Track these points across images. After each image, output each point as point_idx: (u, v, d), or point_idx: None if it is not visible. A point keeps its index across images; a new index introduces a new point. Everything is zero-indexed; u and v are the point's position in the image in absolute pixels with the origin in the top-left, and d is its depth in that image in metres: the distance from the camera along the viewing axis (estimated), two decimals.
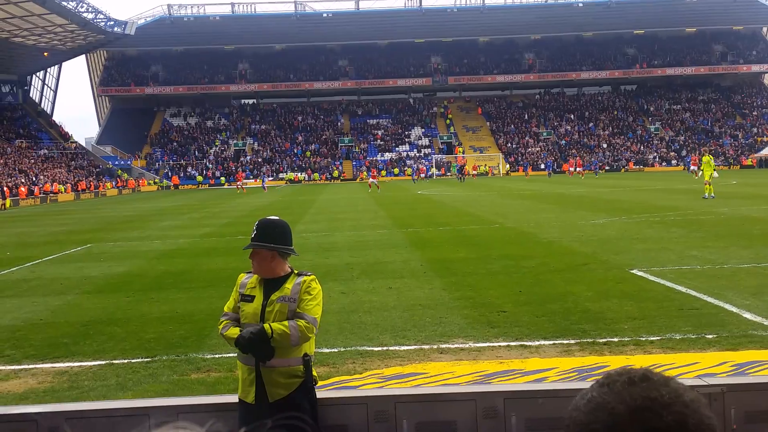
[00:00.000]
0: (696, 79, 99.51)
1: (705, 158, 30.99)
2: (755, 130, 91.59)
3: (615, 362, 7.04)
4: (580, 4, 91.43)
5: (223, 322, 4.31)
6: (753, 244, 14.97)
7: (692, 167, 52.98)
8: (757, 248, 14.37)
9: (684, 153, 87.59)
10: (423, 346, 8.03)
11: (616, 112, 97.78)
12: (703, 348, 7.44)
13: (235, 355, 4.46)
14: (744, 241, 15.61)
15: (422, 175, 73.03)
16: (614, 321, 8.73)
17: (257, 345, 4.09)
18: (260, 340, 4.08)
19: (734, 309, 9.06)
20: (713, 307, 9.27)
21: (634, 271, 12.15)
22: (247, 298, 4.27)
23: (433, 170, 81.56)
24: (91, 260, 17.11)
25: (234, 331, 4.17)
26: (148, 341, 8.76)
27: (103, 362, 7.92)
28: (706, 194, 28.71)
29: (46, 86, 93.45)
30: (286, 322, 4.13)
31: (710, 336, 7.85)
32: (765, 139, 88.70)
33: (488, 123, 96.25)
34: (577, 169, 69.73)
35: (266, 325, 4.10)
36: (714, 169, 29.60)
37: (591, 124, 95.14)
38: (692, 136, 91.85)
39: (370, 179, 53.76)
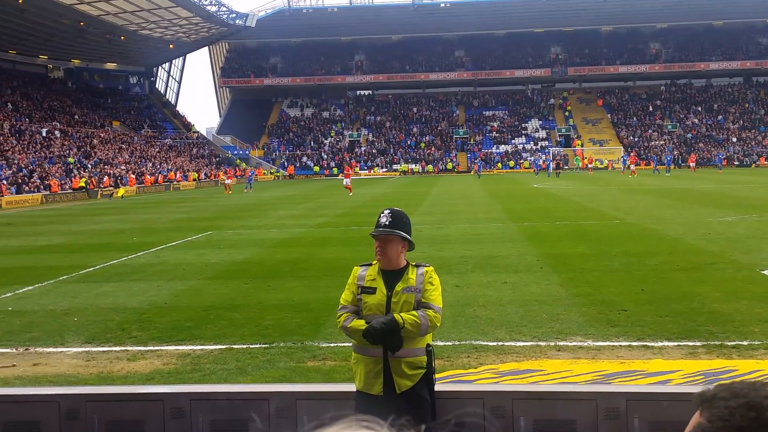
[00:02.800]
0: None
1: None
2: None
3: (744, 366, 6.68)
4: None
5: (342, 314, 4.27)
6: None
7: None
8: None
9: None
10: (539, 343, 7.85)
11: (747, 105, 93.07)
12: None
13: (350, 345, 4.44)
14: None
15: (545, 168, 70.70)
16: (743, 323, 8.28)
17: (389, 335, 4.07)
18: (392, 330, 4.06)
19: None
20: None
21: (765, 272, 11.51)
22: (369, 290, 4.25)
23: (552, 164, 79.89)
24: (211, 247, 17.66)
25: (359, 323, 4.16)
26: (265, 328, 8.94)
27: (224, 346, 8.14)
28: None
29: (171, 77, 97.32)
30: (414, 312, 4.13)
31: None
32: None
33: (609, 115, 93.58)
34: (631, 166, 59.82)
35: (397, 315, 4.09)
36: None
37: (720, 117, 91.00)
38: None
39: (345, 180, 42.82)
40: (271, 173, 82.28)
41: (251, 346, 8.09)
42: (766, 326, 8.13)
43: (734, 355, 7.14)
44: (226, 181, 50.76)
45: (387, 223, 4.25)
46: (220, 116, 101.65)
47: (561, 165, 66.90)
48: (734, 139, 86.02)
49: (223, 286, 12.03)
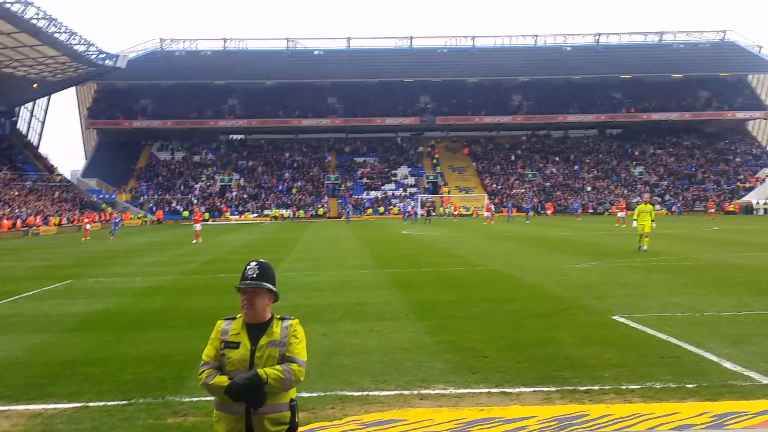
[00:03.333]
0: (681, 124, 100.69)
1: (643, 206, 27.22)
2: (739, 176, 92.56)
3: (595, 411, 7.02)
4: (569, 48, 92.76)
5: (204, 371, 4.20)
6: (734, 292, 15.03)
7: (619, 213, 52.04)
8: (739, 296, 14.42)
9: (667, 197, 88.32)
10: (403, 392, 7.97)
11: (601, 155, 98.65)
12: (683, 397, 7.43)
13: (212, 400, 4.38)
14: (725, 288, 15.68)
15: (414, 215, 72.26)
16: (595, 368, 8.71)
17: (252, 392, 4.03)
18: (256, 386, 4.02)
19: (715, 358, 9.06)
20: (694, 355, 9.28)
21: (615, 317, 12.16)
22: (232, 345, 4.19)
23: (419, 210, 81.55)
24: (71, 297, 16.96)
25: (222, 379, 4.09)
26: (125, 383, 8.65)
27: (79, 404, 7.81)
28: (644, 246, 25.96)
29: (33, 117, 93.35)
30: (278, 367, 4.11)
31: (690, 385, 7.84)
32: (747, 185, 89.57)
33: (474, 163, 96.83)
34: (485, 213, 61.61)
35: (260, 371, 4.06)
36: (652, 220, 26.71)
37: (576, 167, 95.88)
38: (676, 181, 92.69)
39: (195, 225, 40.18)
40: (138, 218, 79.94)
41: (109, 404, 7.80)
42: (615, 371, 8.57)
43: (586, 399, 7.48)
44: (87, 227, 48.71)
45: (254, 275, 4.24)
46: (86, 158, 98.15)
47: (431, 212, 68.34)
48: (589, 188, 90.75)
49: (82, 339, 11.56)
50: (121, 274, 22.41)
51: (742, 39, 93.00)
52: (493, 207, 67.28)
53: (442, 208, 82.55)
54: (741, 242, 30.07)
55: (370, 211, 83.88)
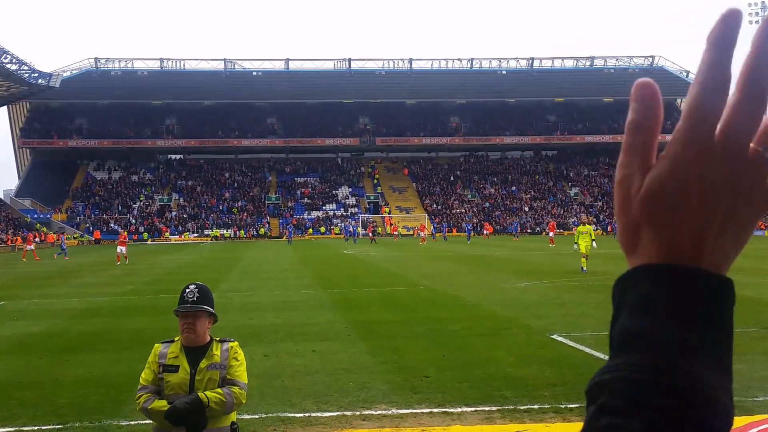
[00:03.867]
0: (614, 146, 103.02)
1: (583, 228, 27.78)
2: None
3: (535, 430, 7.14)
4: (504, 72, 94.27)
5: (143, 395, 4.14)
6: None
7: (551, 233, 53.14)
8: None
9: (602, 217, 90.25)
10: (345, 413, 7.97)
11: (537, 177, 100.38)
12: None
13: (151, 424, 4.32)
14: None
15: (353, 234, 72.34)
16: (535, 387, 8.84)
17: (193, 415, 3.98)
18: (197, 410, 3.98)
19: None
20: None
21: (554, 336, 12.37)
22: (171, 368, 4.15)
23: (360, 230, 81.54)
24: (4, 319, 16.50)
25: (161, 403, 4.04)
26: (60, 407, 8.46)
27: (12, 429, 7.61)
28: (584, 267, 26.17)
29: None
30: (219, 390, 4.08)
31: None
32: None
33: (414, 184, 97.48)
34: (421, 233, 63.30)
35: (201, 394, 4.02)
36: (593, 240, 27.24)
37: (514, 188, 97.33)
38: (609, 201, 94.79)
39: (119, 248, 38.29)
40: (75, 238, 78.16)
41: (43, 428, 7.63)
42: (554, 390, 8.72)
43: (527, 419, 7.60)
44: (28, 247, 47.37)
45: (194, 299, 4.21)
46: (20, 178, 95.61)
47: (376, 232, 68.41)
48: (526, 208, 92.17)
49: (16, 362, 11.26)
50: (57, 295, 21.89)
51: (670, 64, 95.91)
52: (426, 227, 67.79)
53: (386, 228, 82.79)
54: None
55: (311, 231, 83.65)
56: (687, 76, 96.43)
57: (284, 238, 74.98)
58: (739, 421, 7.17)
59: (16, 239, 66.67)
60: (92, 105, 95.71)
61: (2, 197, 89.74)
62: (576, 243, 27.08)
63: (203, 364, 4.15)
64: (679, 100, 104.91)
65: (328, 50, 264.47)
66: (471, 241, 60.90)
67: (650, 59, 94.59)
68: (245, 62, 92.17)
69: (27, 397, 8.98)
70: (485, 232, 72.20)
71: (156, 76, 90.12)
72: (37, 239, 66.44)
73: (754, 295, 18.35)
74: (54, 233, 76.28)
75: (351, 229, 75.84)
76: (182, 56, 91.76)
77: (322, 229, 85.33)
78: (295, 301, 18.63)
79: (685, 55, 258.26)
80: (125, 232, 43.26)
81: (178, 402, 4.00)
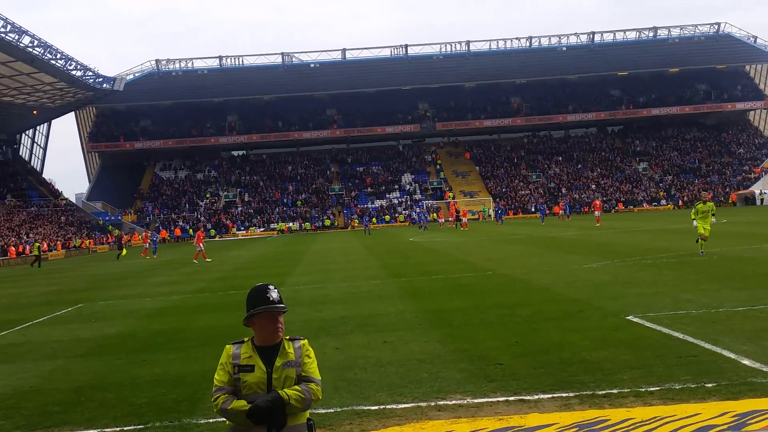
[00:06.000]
0: (681, 118, 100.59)
1: (703, 206, 22.99)
2: (744, 167, 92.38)
3: (615, 415, 6.95)
4: (564, 48, 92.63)
5: (219, 396, 4.14)
6: (747, 286, 14.93)
7: (596, 212, 51.33)
8: (752, 290, 14.32)
9: (673, 192, 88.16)
10: (420, 404, 7.90)
11: (603, 153, 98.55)
12: (703, 398, 7.34)
13: (227, 423, 4.31)
14: (738, 282, 15.58)
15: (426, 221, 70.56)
16: (612, 371, 8.62)
17: (275, 413, 4.01)
18: (279, 408, 4.01)
19: (732, 355, 8.97)
20: (711, 353, 9.18)
21: (630, 318, 12.07)
22: (247, 368, 4.15)
23: (433, 216, 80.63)
24: (82, 321, 16.94)
25: (241, 403, 4.06)
26: (140, 407, 8.60)
27: (95, 431, 7.77)
28: (702, 250, 22.25)
29: (35, 144, 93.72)
30: (298, 387, 4.11)
31: (710, 385, 7.76)
32: (753, 176, 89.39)
33: (477, 167, 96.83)
34: (441, 220, 63.82)
35: (281, 392, 4.04)
36: (713, 214, 22.84)
37: (579, 166, 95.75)
38: (680, 175, 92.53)
39: (198, 246, 39.10)
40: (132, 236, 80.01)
41: (125, 428, 7.76)
42: (633, 373, 8.48)
43: (606, 404, 7.39)
44: (144, 245, 48.53)
45: (279, 298, 4.24)
46: (90, 182, 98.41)
47: (459, 216, 65.51)
48: (594, 186, 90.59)
49: (95, 364, 11.52)
50: (131, 296, 22.40)
51: (737, 30, 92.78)
52: (468, 211, 66.37)
53: (484, 211, 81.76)
54: (748, 234, 29.92)
55: (375, 219, 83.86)
56: (755, 41, 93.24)
57: (350, 228, 75.11)
58: None
59: (90, 241, 68.55)
60: (155, 106, 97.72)
61: (75, 201, 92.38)
62: (694, 219, 22.84)
63: (279, 362, 4.16)
64: (747, 67, 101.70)
65: (385, 39, 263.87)
66: (546, 223, 58.84)
67: (716, 26, 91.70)
68: (302, 55, 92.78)
69: (107, 398, 9.16)
70: (561, 212, 69.88)
71: (215, 74, 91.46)
72: (108, 241, 68.06)
73: None
74: (125, 234, 78.27)
75: (424, 216, 74.62)
76: (240, 53, 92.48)
77: (387, 217, 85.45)
78: (363, 292, 18.65)
79: (751, 20, 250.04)
80: (202, 232, 43.91)
81: (260, 400, 4.01)
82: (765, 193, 79.80)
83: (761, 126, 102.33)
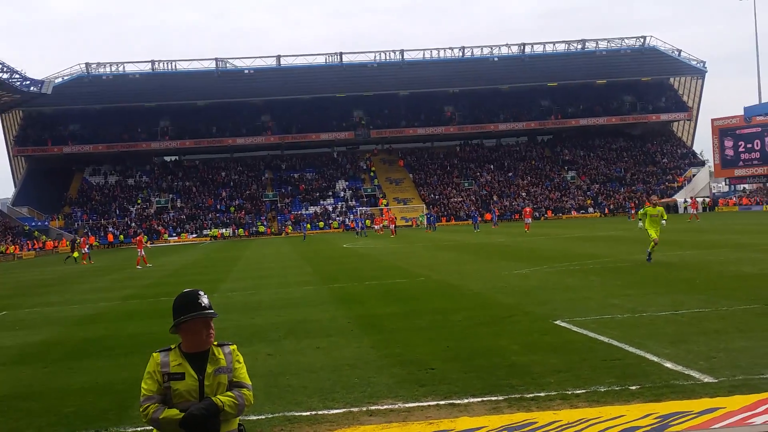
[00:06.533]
0: (608, 128, 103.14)
1: (653, 209, 22.66)
2: (668, 177, 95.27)
3: (543, 418, 7.10)
4: (495, 59, 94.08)
5: (149, 406, 4.06)
6: (670, 291, 15.41)
7: (527, 219, 52.56)
8: (675, 295, 14.79)
9: (600, 200, 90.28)
10: (352, 409, 7.94)
11: (533, 162, 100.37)
12: (627, 400, 7.56)
13: (153, 431, 4.25)
14: (661, 287, 16.07)
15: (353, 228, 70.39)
16: (541, 375, 8.80)
17: (209, 420, 3.97)
18: (213, 415, 3.98)
19: (655, 358, 9.26)
20: (635, 357, 9.46)
21: (557, 322, 12.33)
22: (177, 376, 4.09)
23: (368, 222, 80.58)
24: (5, 329, 16.46)
25: (173, 412, 3.99)
26: (66, 416, 8.43)
27: None
28: (650, 257, 21.88)
29: None
30: (231, 393, 4.08)
31: (634, 387, 7.99)
32: (676, 185, 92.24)
33: (411, 175, 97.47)
34: (377, 226, 63.82)
35: (215, 399, 4.01)
36: (664, 220, 22.58)
37: (510, 174, 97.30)
38: (607, 183, 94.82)
39: (140, 251, 38.06)
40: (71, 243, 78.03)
41: None
42: (560, 376, 8.68)
43: (533, 407, 7.55)
44: (84, 250, 46.74)
45: (205, 305, 4.19)
46: (16, 186, 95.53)
47: (394, 222, 65.02)
48: (524, 194, 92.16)
49: (18, 373, 11.22)
50: (57, 303, 21.86)
51: (662, 44, 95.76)
52: (395, 217, 66.46)
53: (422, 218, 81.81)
54: (672, 241, 30.77)
55: (308, 226, 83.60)
56: (679, 54, 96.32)
57: (283, 234, 74.80)
58: (746, 399, 7.15)
59: (14, 248, 66.55)
60: (85, 110, 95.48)
61: None
62: (641, 221, 22.52)
63: (210, 369, 4.12)
64: (672, 79, 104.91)
65: (321, 47, 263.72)
66: (479, 230, 59.09)
67: (642, 40, 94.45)
68: (237, 61, 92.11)
69: (32, 407, 8.94)
70: (490, 218, 70.84)
71: (148, 79, 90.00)
72: (35, 248, 66.28)
73: (755, 271, 18.35)
74: (53, 240, 76.21)
75: (351, 221, 74.81)
76: (173, 57, 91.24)
77: (321, 224, 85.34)
78: (297, 298, 18.60)
79: (676, 35, 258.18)
80: (142, 236, 42.75)
81: (194, 408, 3.97)
82: (688, 201, 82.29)
83: (684, 137, 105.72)
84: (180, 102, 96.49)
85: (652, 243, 21.72)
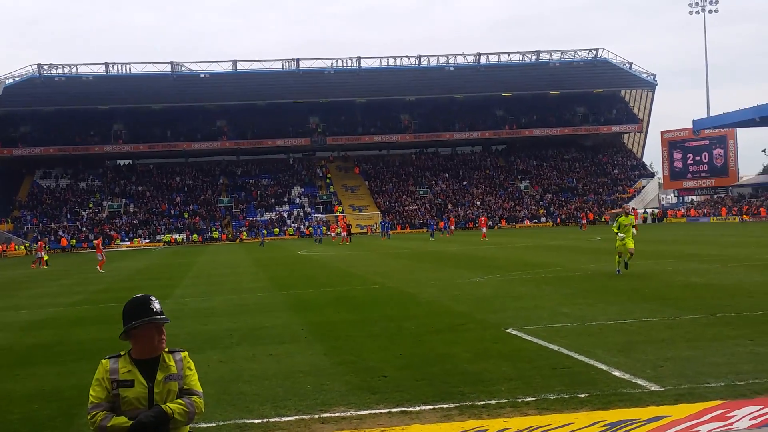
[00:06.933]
0: (561, 139, 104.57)
1: (626, 219, 21.81)
2: (618, 187, 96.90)
3: (493, 426, 7.18)
4: (451, 68, 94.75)
5: (97, 414, 4.01)
6: (619, 300, 15.69)
7: (482, 228, 53.18)
8: (623, 304, 15.05)
9: (552, 209, 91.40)
10: (304, 416, 7.93)
11: (488, 171, 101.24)
12: (576, 408, 7.68)
13: None
14: (611, 297, 16.34)
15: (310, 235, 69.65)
16: (492, 382, 8.89)
17: (159, 428, 3.94)
18: (163, 423, 3.95)
19: (604, 367, 9.42)
20: (584, 365, 9.61)
21: (509, 330, 12.47)
22: (126, 383, 4.04)
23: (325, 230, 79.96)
24: None
25: (122, 420, 3.95)
26: (11, 423, 8.28)
27: None
28: (620, 269, 21.41)
29: None
30: (181, 401, 4.05)
31: (582, 395, 8.12)
32: (626, 195, 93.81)
33: (367, 182, 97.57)
34: (333, 233, 64.54)
35: (165, 406, 3.98)
36: (633, 227, 21.75)
37: (465, 183, 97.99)
38: (559, 193, 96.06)
39: (99, 255, 37.84)
40: (24, 248, 76.51)
41: None
42: (511, 384, 8.78)
43: (484, 415, 7.62)
44: (39, 254, 45.92)
45: (155, 310, 4.15)
46: None
47: (350, 231, 64.96)
48: (478, 203, 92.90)
49: None
50: (4, 308, 21.40)
51: (614, 56, 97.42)
52: (350, 224, 66.49)
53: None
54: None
55: (265, 232, 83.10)
56: (630, 67, 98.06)
57: (238, 241, 74.25)
58: (692, 408, 7.32)
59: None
60: (37, 112, 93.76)
61: None
62: (617, 232, 21.63)
63: (160, 376, 4.08)
64: (623, 92, 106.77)
65: (277, 52, 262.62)
66: (435, 239, 58.98)
67: (594, 52, 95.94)
68: (193, 65, 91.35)
69: None
70: (450, 228, 71.53)
71: (102, 81, 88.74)
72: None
73: (702, 281, 18.76)
74: (2, 244, 74.60)
75: (307, 228, 74.42)
76: (128, 60, 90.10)
77: (276, 230, 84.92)
78: (250, 305, 18.50)
79: (628, 48, 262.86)
80: (100, 240, 42.21)
81: (143, 416, 3.93)
82: (641, 212, 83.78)
83: (635, 148, 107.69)
84: (134, 105, 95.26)
85: (629, 254, 21.09)
